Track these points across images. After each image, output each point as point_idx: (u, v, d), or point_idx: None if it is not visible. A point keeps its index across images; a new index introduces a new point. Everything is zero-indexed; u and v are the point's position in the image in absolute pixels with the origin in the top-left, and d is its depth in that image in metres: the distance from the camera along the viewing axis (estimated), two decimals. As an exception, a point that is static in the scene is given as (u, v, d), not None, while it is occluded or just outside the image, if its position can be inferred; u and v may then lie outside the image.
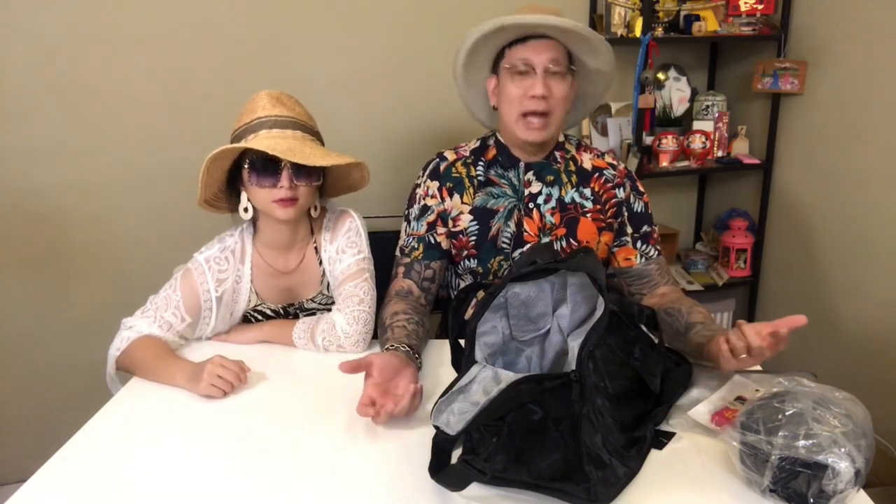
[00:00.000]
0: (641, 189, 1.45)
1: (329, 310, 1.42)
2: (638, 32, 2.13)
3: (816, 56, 2.13)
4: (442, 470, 0.87)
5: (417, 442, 1.00)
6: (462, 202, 1.41)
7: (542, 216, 1.39)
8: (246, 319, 1.44)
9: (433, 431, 0.88)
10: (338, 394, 1.15)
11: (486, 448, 0.90)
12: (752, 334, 1.03)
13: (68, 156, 2.01)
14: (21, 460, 2.06)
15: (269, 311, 1.42)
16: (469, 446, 0.92)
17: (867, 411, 0.85)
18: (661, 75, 2.38)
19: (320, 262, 1.41)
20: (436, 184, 1.43)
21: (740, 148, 2.39)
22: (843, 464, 0.79)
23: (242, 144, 1.24)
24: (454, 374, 1.04)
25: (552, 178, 1.41)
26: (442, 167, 1.44)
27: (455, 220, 1.41)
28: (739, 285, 2.48)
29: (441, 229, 1.43)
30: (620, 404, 0.96)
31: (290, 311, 1.43)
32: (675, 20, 2.27)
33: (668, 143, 2.29)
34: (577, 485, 0.86)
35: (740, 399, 1.05)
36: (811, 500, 0.81)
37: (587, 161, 1.44)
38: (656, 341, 1.09)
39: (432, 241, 1.43)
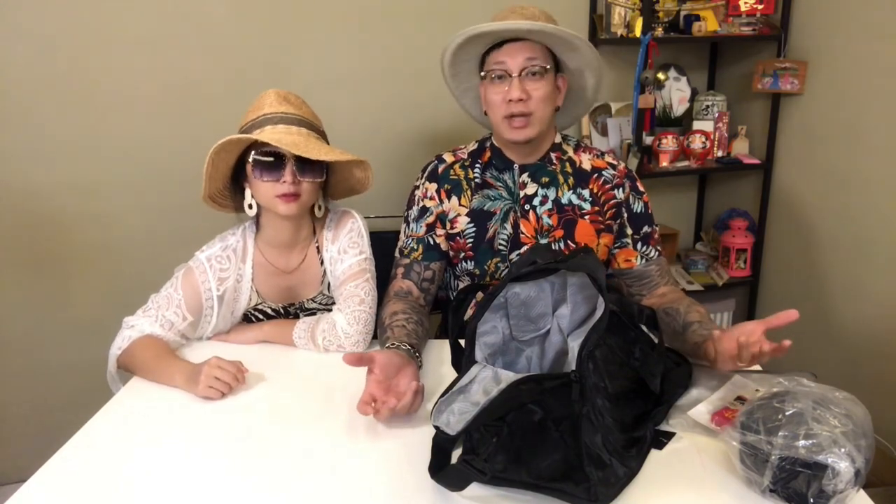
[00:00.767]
0: (641, 189, 1.45)
1: (329, 310, 1.42)
2: (638, 32, 2.13)
3: (816, 56, 2.13)
4: (442, 470, 0.87)
5: (417, 442, 1.00)
6: (459, 204, 1.42)
7: (538, 218, 1.39)
8: (246, 319, 1.44)
9: (433, 431, 0.88)
10: (338, 393, 1.15)
11: (486, 448, 0.90)
12: (742, 344, 1.03)
13: (68, 156, 2.01)
14: (21, 460, 2.06)
15: (269, 311, 1.42)
16: (469, 446, 0.92)
17: (867, 411, 0.85)
18: (661, 75, 2.38)
19: (322, 262, 1.41)
20: (434, 185, 1.44)
21: (740, 148, 2.39)
22: (843, 464, 0.79)
23: (247, 136, 1.24)
24: (454, 374, 1.04)
25: (547, 179, 1.40)
26: (440, 169, 1.45)
27: (453, 222, 1.42)
28: (739, 285, 2.48)
29: (440, 231, 1.43)
30: (620, 404, 0.96)
31: (291, 311, 1.44)
32: (675, 20, 2.27)
33: (668, 143, 2.29)
34: (577, 485, 0.86)
35: (740, 399, 1.05)
36: (811, 500, 0.81)
37: (586, 162, 1.43)
38: (656, 341, 1.09)
39: (431, 243, 1.43)
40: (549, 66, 1.31)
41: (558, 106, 1.39)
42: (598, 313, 0.95)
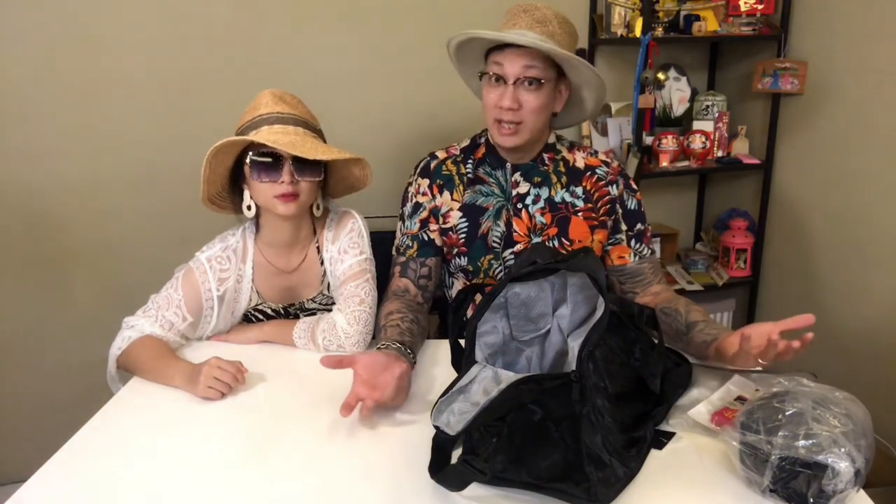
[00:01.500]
0: (634, 187, 1.45)
1: (329, 310, 1.42)
2: (638, 32, 2.12)
3: (816, 56, 2.13)
4: (442, 470, 0.87)
5: (417, 442, 1.00)
6: (452, 199, 1.42)
7: (531, 216, 1.40)
8: (246, 319, 1.44)
9: (433, 431, 0.88)
10: (338, 394, 1.15)
11: (486, 448, 0.90)
12: (771, 342, 1.01)
13: (68, 156, 2.01)
14: (21, 460, 2.06)
15: (269, 311, 1.42)
16: (469, 446, 0.92)
17: (867, 411, 0.85)
18: (661, 75, 2.38)
19: (322, 262, 1.41)
20: (426, 181, 1.44)
21: (740, 148, 2.39)
22: (843, 464, 0.79)
23: (244, 137, 1.24)
24: (452, 374, 1.05)
25: (539, 179, 1.41)
26: (432, 165, 1.46)
27: (445, 216, 1.42)
28: (739, 285, 2.48)
29: (433, 226, 1.43)
30: (620, 404, 0.96)
31: (291, 311, 1.44)
32: (675, 20, 2.26)
33: (668, 143, 2.29)
34: (576, 485, 0.86)
35: (740, 399, 1.05)
36: (811, 500, 0.81)
37: (580, 160, 1.43)
38: (656, 341, 1.09)
39: (426, 239, 1.43)
40: (545, 79, 1.29)
41: (556, 111, 1.38)
42: (599, 313, 0.95)
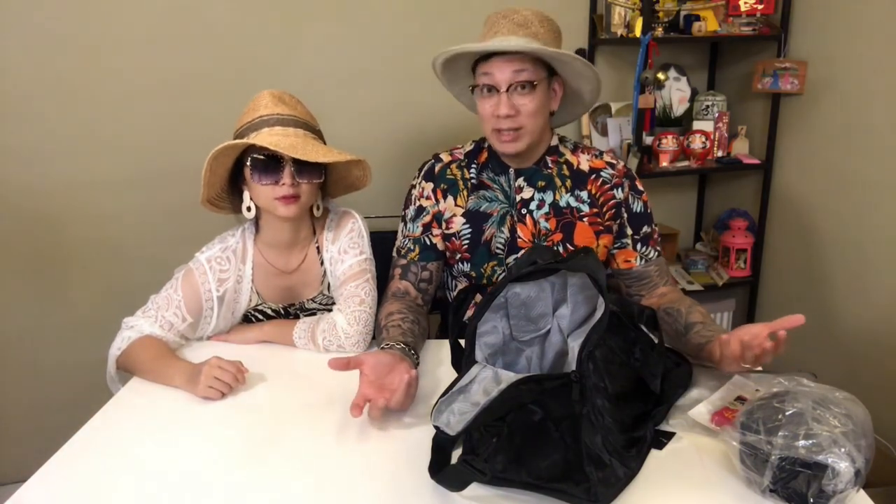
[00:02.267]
0: (641, 188, 1.44)
1: (329, 310, 1.42)
2: (638, 32, 2.12)
3: (816, 56, 2.13)
4: (442, 470, 0.87)
5: (417, 442, 1.00)
6: (456, 204, 1.41)
7: (535, 222, 1.39)
8: (246, 319, 1.44)
9: (433, 431, 0.88)
10: (338, 393, 1.15)
11: (486, 448, 0.90)
12: (745, 344, 1.03)
13: (68, 155, 2.01)
14: (21, 460, 2.06)
15: (269, 311, 1.42)
16: (469, 446, 0.92)
17: (867, 411, 0.85)
18: (661, 75, 2.38)
19: (322, 263, 1.41)
20: (430, 185, 1.43)
21: (740, 148, 2.39)
22: (843, 464, 0.79)
23: (244, 141, 1.24)
24: (454, 374, 1.04)
25: (544, 183, 1.39)
26: (437, 168, 1.44)
27: (448, 222, 1.41)
28: (739, 285, 2.48)
29: (436, 231, 1.42)
30: (620, 404, 0.96)
31: (291, 311, 1.43)
32: (675, 20, 2.26)
33: (668, 143, 2.29)
34: (577, 485, 0.86)
35: (740, 399, 1.05)
36: (811, 500, 0.81)
37: (584, 162, 1.42)
38: (656, 341, 1.09)
39: (428, 243, 1.43)
40: (537, 80, 1.28)
41: (553, 110, 1.37)
42: (599, 314, 0.94)
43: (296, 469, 0.96)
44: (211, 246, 1.36)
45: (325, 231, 1.41)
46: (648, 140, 2.28)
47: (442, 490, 0.88)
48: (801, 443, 0.80)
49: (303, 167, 1.26)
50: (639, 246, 1.42)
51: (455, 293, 1.49)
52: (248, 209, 1.32)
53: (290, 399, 1.16)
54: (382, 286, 1.43)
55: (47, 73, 1.94)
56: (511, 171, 1.40)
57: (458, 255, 1.42)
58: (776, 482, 0.83)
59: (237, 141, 1.24)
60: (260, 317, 1.43)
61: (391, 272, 1.45)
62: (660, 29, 2.19)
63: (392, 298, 1.39)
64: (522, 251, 1.39)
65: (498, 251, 1.39)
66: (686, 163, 2.32)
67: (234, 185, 1.34)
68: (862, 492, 0.86)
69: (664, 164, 2.29)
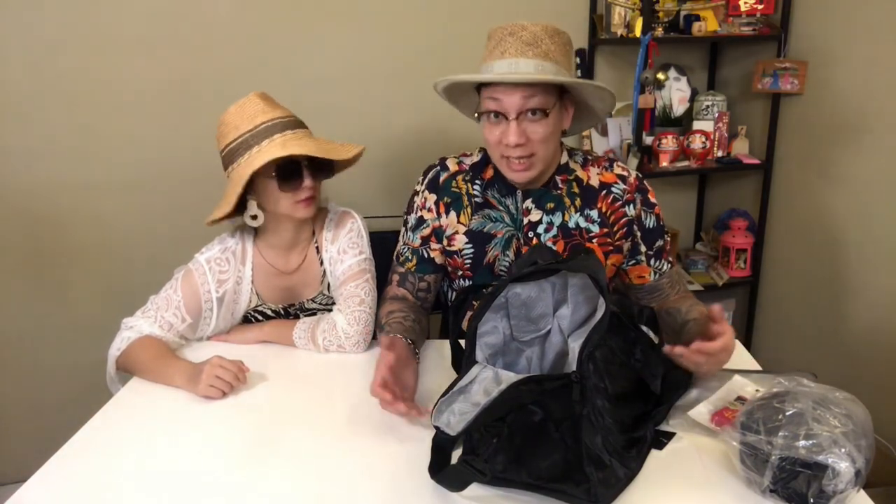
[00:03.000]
0: (653, 200, 1.37)
1: (329, 310, 1.42)
2: (638, 32, 2.12)
3: (816, 56, 2.13)
4: (442, 470, 0.87)
5: (417, 442, 1.00)
6: (458, 221, 1.35)
7: None
8: (246, 320, 1.44)
9: (433, 431, 0.88)
10: (338, 393, 1.15)
11: (487, 448, 0.90)
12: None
13: (68, 156, 2.01)
14: (21, 460, 2.06)
15: (269, 312, 1.42)
16: (469, 447, 0.92)
17: (867, 411, 0.85)
18: (661, 75, 2.38)
19: (321, 263, 1.41)
20: (433, 197, 1.38)
21: (740, 148, 2.39)
22: (843, 464, 0.79)
23: (278, 154, 1.21)
24: (452, 375, 1.05)
25: (553, 205, 1.32)
26: (442, 178, 1.38)
27: (450, 239, 1.36)
28: (739, 285, 2.48)
29: (435, 245, 1.38)
30: (621, 405, 0.96)
31: (291, 312, 1.43)
32: (675, 20, 2.26)
33: (668, 143, 2.29)
34: (577, 485, 0.86)
35: (740, 399, 1.05)
36: (811, 501, 0.81)
37: (594, 177, 1.35)
38: (657, 342, 1.09)
39: (426, 256, 1.39)
40: (549, 106, 1.19)
41: (565, 129, 1.30)
42: (599, 314, 0.94)
43: (296, 468, 0.96)
44: (210, 247, 1.36)
45: (324, 231, 1.41)
46: (648, 140, 2.28)
47: (442, 490, 0.88)
48: (802, 443, 0.80)
49: (318, 167, 1.27)
50: (652, 261, 1.38)
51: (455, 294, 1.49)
52: (254, 217, 1.30)
53: (290, 399, 1.16)
54: (382, 286, 1.43)
55: (47, 74, 1.94)
56: (519, 193, 1.33)
57: (460, 272, 1.39)
58: (776, 482, 0.83)
59: (275, 154, 1.20)
60: (260, 317, 1.43)
61: (390, 276, 1.44)
62: (660, 29, 2.19)
63: (391, 300, 1.39)
64: None
65: (501, 273, 1.35)
66: (686, 163, 2.32)
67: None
68: (862, 492, 0.86)
69: (664, 164, 2.29)
